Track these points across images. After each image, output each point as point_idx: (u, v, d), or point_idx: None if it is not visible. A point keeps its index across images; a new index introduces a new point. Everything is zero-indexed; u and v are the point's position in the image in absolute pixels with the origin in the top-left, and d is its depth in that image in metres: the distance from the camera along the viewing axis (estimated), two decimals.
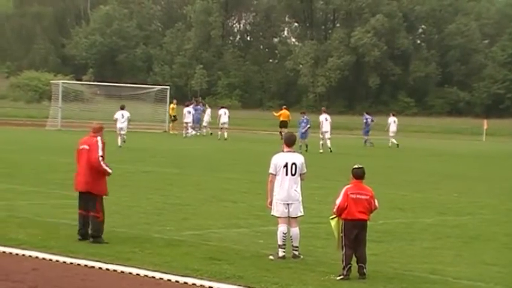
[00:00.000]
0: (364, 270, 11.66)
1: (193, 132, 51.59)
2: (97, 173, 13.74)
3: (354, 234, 11.65)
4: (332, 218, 11.96)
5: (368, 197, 11.81)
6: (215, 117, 52.26)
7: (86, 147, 13.81)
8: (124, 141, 38.85)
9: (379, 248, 13.97)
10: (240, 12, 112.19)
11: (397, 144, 49.06)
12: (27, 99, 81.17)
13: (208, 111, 54.90)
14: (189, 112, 51.43)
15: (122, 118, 39.70)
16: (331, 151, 40.55)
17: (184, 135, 50.50)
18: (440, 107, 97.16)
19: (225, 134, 49.22)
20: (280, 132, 50.70)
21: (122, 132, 39.26)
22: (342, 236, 11.72)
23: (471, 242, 15.39)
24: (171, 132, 53.84)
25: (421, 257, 13.48)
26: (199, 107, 54.69)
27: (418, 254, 13.76)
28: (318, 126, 43.44)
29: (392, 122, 51.81)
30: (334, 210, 11.82)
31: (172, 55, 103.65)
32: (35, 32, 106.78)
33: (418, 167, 34.48)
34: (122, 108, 41.25)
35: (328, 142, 41.89)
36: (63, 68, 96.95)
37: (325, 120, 43.00)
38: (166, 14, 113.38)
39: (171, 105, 56.28)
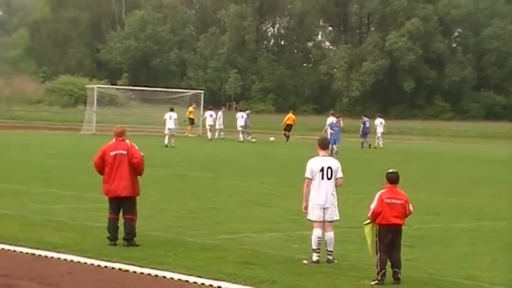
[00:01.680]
0: (399, 275, 11.58)
1: (248, 137, 51.66)
2: (135, 176, 13.79)
3: (389, 239, 11.57)
4: (366, 224, 11.89)
5: (403, 202, 11.73)
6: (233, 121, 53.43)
7: (123, 152, 13.78)
8: (172, 142, 41.68)
9: (414, 253, 13.86)
10: (274, 17, 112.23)
11: (375, 147, 49.31)
12: (62, 103, 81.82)
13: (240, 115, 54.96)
14: (211, 115, 52.73)
15: (170, 119, 42.71)
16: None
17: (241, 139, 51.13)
18: (476, 111, 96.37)
19: (241, 136, 50.58)
20: (284, 134, 51.81)
21: (171, 132, 42.21)
22: (376, 241, 11.64)
23: (508, 247, 15.21)
24: (189, 135, 53.68)
25: (457, 263, 13.35)
26: (247, 112, 54.40)
27: (454, 259, 13.63)
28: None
29: (379, 123, 51.88)
30: (369, 215, 11.74)
31: (206, 59, 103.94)
32: (71, 37, 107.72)
33: (453, 171, 34.21)
34: (171, 110, 44.20)
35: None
36: (98, 73, 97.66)
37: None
38: (200, 18, 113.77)
39: (190, 108, 56.23)
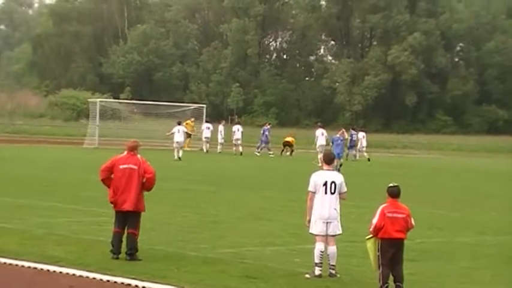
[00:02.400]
0: None
1: (269, 152, 51.86)
2: (141, 191, 13.80)
3: (391, 254, 11.56)
4: (368, 238, 11.88)
5: (405, 216, 11.73)
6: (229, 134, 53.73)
7: (133, 166, 13.76)
8: (180, 155, 42.67)
9: (417, 267, 13.83)
10: (276, 31, 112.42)
11: (368, 159, 49.84)
12: (65, 117, 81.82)
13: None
14: (208, 128, 53.25)
15: (178, 133, 44.02)
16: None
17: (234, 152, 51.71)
18: (478, 125, 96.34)
19: (240, 149, 50.95)
20: (282, 150, 53.40)
21: (179, 146, 43.42)
22: (378, 255, 11.62)
23: (510, 261, 15.19)
24: (187, 148, 53.69)
25: (459, 277, 13.33)
26: (268, 127, 54.34)
27: (456, 274, 13.61)
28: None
29: (362, 137, 52.19)
30: (371, 229, 11.74)
31: (208, 73, 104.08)
32: (74, 51, 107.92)
33: (456, 185, 34.19)
34: (179, 123, 45.69)
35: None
36: (100, 87, 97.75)
37: (321, 135, 46.33)
38: (203, 32, 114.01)
39: (188, 121, 56.29)
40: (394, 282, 11.58)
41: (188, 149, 53.59)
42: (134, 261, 13.40)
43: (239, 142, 51.97)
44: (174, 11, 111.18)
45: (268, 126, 54.93)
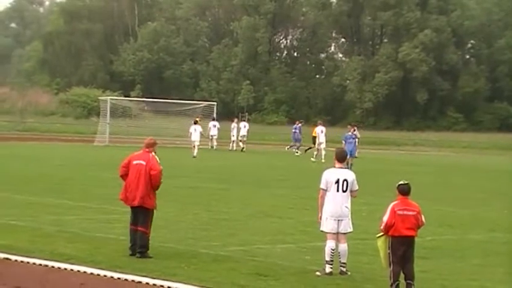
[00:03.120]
0: (413, 287, 11.54)
1: (297, 152, 51.82)
2: (151, 187, 13.85)
3: (402, 251, 11.54)
4: (379, 236, 11.85)
5: (415, 213, 11.70)
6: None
7: (142, 162, 13.90)
8: (195, 153, 43.73)
9: (428, 264, 13.81)
10: (286, 28, 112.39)
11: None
12: (76, 115, 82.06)
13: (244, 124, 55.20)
14: (215, 126, 53.51)
15: (194, 132, 45.71)
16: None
17: (233, 148, 52.67)
18: (489, 122, 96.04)
19: (240, 145, 52.08)
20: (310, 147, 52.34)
21: (197, 144, 44.86)
22: (389, 253, 11.60)
23: None
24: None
25: (470, 274, 13.30)
26: (300, 125, 53.81)
27: (467, 271, 13.58)
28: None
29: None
30: (381, 227, 11.71)
31: (219, 71, 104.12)
32: (84, 49, 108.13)
33: (467, 183, 34.11)
34: (195, 123, 47.31)
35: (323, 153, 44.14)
36: (111, 85, 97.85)
37: (320, 132, 45.98)
38: (213, 30, 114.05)
39: (195, 120, 56.28)
40: (405, 280, 11.56)
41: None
42: (145, 258, 13.43)
43: (245, 139, 52.83)
44: (185, 8, 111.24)
45: (300, 124, 54.12)
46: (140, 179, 13.82)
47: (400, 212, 11.58)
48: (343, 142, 39.27)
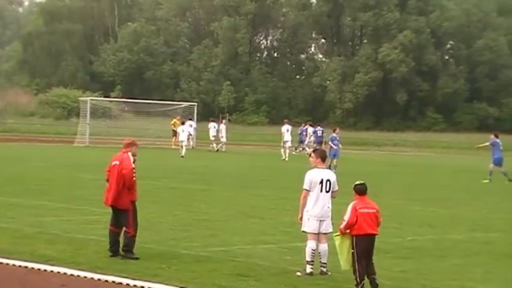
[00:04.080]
0: (376, 281, 11.59)
1: (296, 151, 52.14)
2: (123, 187, 13.75)
3: (366, 249, 11.60)
4: (336, 236, 11.90)
5: (375, 211, 11.82)
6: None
7: (117, 162, 13.92)
8: (183, 153, 45.23)
9: (408, 264, 13.87)
10: (267, 29, 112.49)
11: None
12: (56, 116, 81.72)
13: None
14: (191, 126, 53.69)
15: (182, 132, 47.26)
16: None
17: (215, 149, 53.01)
18: (468, 123, 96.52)
19: (214, 146, 53.25)
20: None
21: (184, 144, 46.38)
22: (353, 252, 11.64)
23: (501, 258, 15.24)
24: (173, 146, 53.72)
25: (451, 274, 13.37)
26: (319, 128, 53.03)
27: (448, 271, 13.64)
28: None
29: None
30: (342, 226, 11.74)
31: (199, 72, 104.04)
32: (64, 49, 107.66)
33: (446, 183, 34.26)
34: (183, 123, 49.79)
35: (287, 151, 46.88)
36: (91, 85, 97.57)
37: (286, 131, 48.44)
38: (194, 30, 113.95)
39: (174, 120, 56.27)
40: (368, 276, 11.60)
41: (174, 147, 53.61)
42: (127, 259, 13.39)
43: (224, 140, 54.01)
44: (165, 9, 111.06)
45: (322, 128, 52.90)
46: (112, 179, 13.84)
47: (362, 210, 11.68)
48: (330, 143, 38.59)
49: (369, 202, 11.88)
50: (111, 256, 13.61)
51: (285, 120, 52.73)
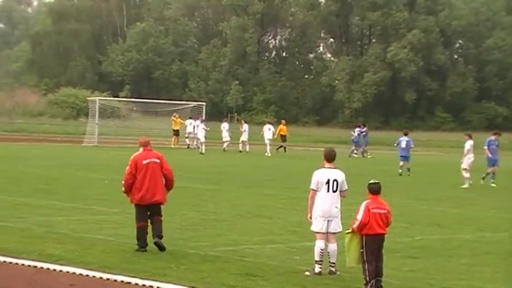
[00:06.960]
0: (382, 283, 11.59)
1: (355, 153, 52.23)
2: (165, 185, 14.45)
3: (376, 249, 11.60)
4: (347, 233, 11.91)
5: (386, 211, 11.81)
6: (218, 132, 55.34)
7: (156, 160, 14.30)
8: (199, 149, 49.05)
9: (416, 264, 13.85)
10: (275, 28, 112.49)
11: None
12: (64, 115, 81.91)
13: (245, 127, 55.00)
14: (191, 124, 54.60)
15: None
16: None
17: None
18: (477, 122, 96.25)
19: (268, 150, 51.25)
20: (280, 146, 53.95)
21: (202, 140, 49.01)
22: (362, 252, 11.64)
23: (509, 258, 15.20)
24: (172, 146, 53.57)
25: (459, 274, 13.34)
26: (363, 129, 52.94)
27: (456, 271, 13.62)
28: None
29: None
30: (354, 226, 11.73)
31: (207, 71, 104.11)
32: (73, 49, 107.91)
33: (455, 182, 34.17)
34: (202, 121, 51.83)
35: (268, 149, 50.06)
36: (100, 85, 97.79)
37: (268, 130, 52.07)
38: (202, 30, 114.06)
39: (172, 118, 56.10)
40: (375, 277, 11.59)
41: (173, 146, 53.54)
42: (162, 247, 13.89)
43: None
44: (173, 8, 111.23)
45: (365, 128, 53.39)
46: (158, 176, 14.21)
47: (374, 210, 11.67)
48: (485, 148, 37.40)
49: (381, 202, 11.86)
50: (143, 251, 13.89)
51: (267, 120, 57.62)
